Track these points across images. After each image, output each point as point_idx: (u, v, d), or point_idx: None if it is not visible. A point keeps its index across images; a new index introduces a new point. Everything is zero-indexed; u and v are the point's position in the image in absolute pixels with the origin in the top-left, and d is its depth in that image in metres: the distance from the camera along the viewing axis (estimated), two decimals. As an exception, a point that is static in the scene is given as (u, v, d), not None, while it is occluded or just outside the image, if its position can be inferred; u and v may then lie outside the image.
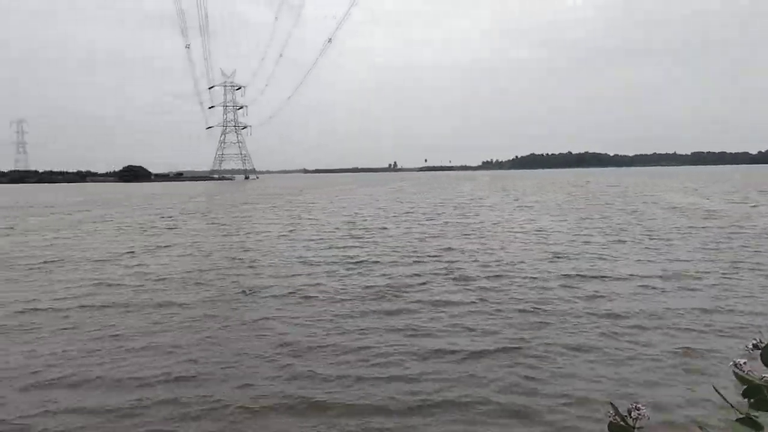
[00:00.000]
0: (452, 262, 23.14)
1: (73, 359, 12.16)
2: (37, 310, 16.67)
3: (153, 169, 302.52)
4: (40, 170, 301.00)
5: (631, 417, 1.67)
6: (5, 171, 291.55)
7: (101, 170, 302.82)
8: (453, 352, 11.90)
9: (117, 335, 13.87)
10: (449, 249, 26.83)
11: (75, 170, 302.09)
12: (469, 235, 32.98)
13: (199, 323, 14.76)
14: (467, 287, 18.10)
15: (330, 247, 28.93)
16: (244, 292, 18.29)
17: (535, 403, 9.32)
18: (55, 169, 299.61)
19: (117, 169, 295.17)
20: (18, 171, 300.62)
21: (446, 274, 20.38)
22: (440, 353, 11.85)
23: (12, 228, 45.41)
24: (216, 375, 11.00)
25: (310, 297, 17.45)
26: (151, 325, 14.70)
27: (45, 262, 26.21)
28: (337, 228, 38.77)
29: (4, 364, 11.95)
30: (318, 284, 19.35)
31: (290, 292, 18.12)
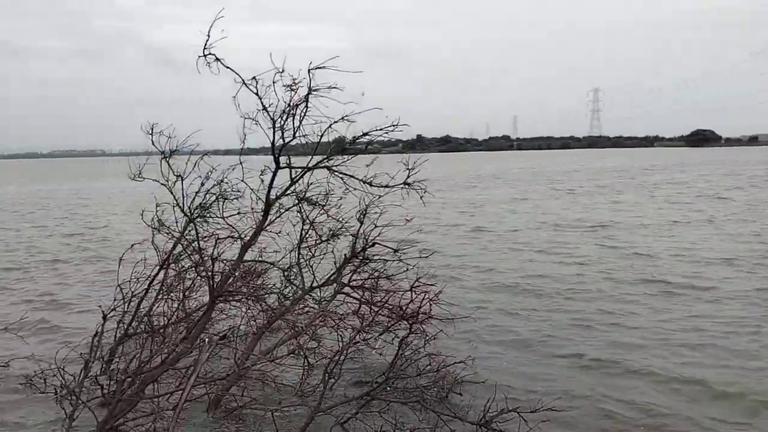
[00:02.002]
0: None
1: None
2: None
3: (723, 133, 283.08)
4: (611, 136, 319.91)
5: None
6: (580, 137, 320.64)
7: (669, 135, 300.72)
8: None
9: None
10: None
11: (643, 135, 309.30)
12: None
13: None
14: None
15: None
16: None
17: None
18: (625, 135, 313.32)
19: (685, 134, 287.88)
20: (591, 136, 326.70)
21: None
22: None
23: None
24: None
25: None
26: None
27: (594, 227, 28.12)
28: None
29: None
30: None
31: None
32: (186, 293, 9.52)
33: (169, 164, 8.37)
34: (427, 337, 7.64)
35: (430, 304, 7.55)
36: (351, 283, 9.37)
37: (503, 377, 9.65)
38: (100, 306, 9.16)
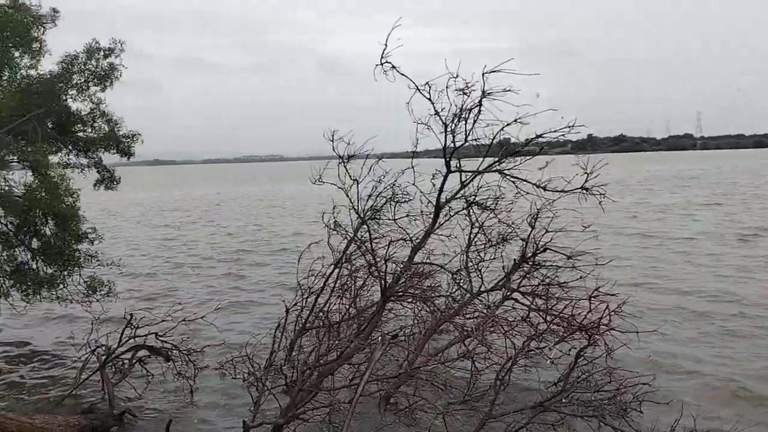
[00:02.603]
0: None
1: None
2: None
3: None
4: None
5: None
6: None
7: None
8: None
9: None
10: None
11: None
12: None
13: None
14: None
15: None
16: None
17: None
18: None
19: None
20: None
21: None
22: None
23: None
24: None
25: None
26: None
27: None
28: None
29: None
30: None
31: None
32: (358, 291, 9.92)
33: (346, 168, 8.76)
34: (606, 350, 7.23)
35: (610, 316, 7.15)
36: (520, 289, 9.17)
37: (689, 398, 8.87)
38: (283, 300, 9.81)
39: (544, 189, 8.24)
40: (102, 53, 13.24)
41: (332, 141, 8.62)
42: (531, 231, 8.93)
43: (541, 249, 8.90)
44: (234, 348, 10.87)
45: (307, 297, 10.22)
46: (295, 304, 10.03)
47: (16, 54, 12.58)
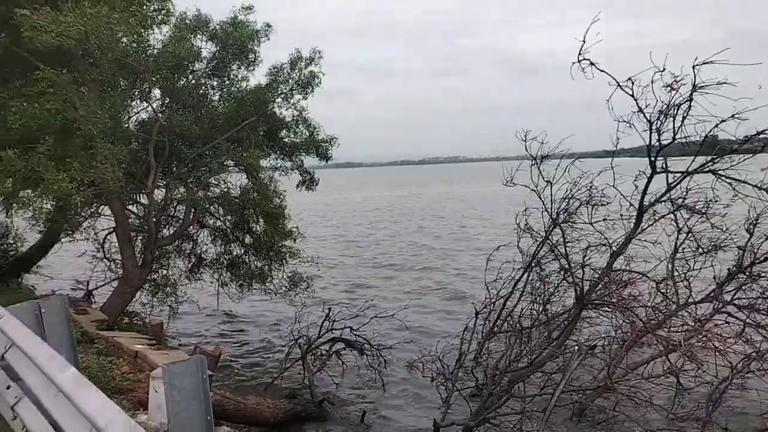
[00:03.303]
0: None
1: None
2: None
3: None
4: None
5: None
6: None
7: None
8: None
9: None
10: None
11: None
12: None
13: None
14: None
15: None
16: None
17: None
18: None
19: None
20: None
21: None
22: None
23: None
24: None
25: None
26: None
27: None
28: None
29: None
30: None
31: None
32: (549, 297, 9.58)
33: (539, 169, 8.53)
34: None
35: None
36: (735, 302, 8.25)
37: None
38: (473, 303, 9.81)
39: (767, 191, 7.33)
40: (303, 63, 14.17)
41: (524, 141, 8.44)
42: (749, 238, 8.01)
43: (761, 258, 7.95)
44: (422, 346, 11.09)
45: (496, 300, 10.10)
46: (484, 307, 9.98)
47: (234, 66, 13.94)
